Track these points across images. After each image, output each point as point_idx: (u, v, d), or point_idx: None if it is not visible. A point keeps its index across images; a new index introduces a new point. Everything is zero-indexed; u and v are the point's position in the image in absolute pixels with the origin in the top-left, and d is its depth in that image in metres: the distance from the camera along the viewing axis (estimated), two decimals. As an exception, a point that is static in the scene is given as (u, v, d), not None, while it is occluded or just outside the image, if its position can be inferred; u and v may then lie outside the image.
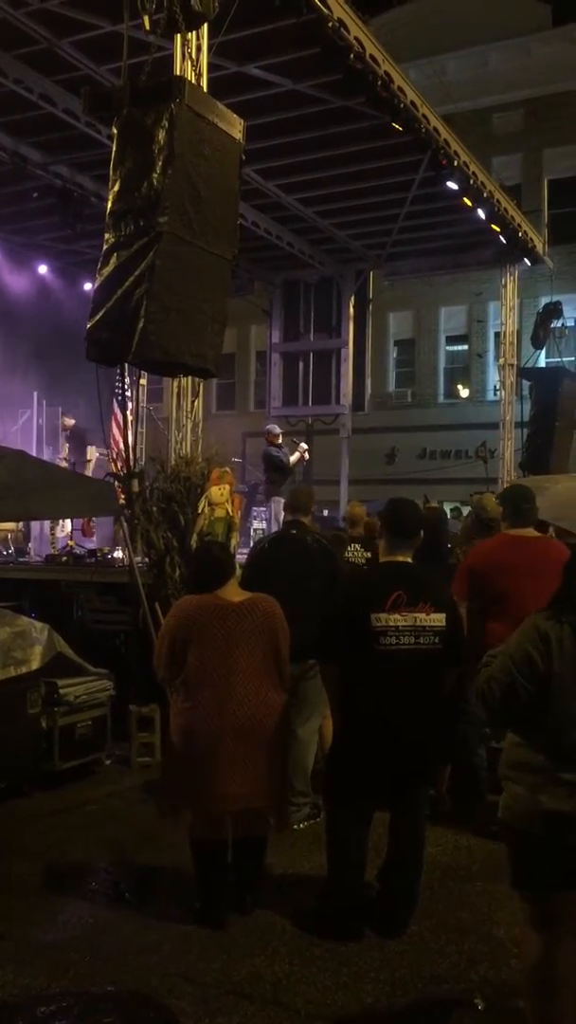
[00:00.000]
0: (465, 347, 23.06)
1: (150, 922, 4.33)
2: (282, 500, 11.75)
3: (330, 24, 7.77)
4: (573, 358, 16.78)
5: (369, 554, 7.38)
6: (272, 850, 4.65)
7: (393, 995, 3.72)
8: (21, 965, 3.89)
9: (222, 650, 4.27)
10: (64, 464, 12.52)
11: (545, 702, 2.92)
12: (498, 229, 12.64)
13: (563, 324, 15.35)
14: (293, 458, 11.93)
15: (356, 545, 7.75)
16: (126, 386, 11.78)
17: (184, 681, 4.31)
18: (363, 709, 4.14)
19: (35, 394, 14.50)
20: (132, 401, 13.30)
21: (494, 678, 3.00)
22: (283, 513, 6.63)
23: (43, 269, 14.83)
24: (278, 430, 12.51)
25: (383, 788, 4.20)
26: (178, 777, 4.39)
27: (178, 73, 6.48)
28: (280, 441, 12.10)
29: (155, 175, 5.30)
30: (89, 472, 12.32)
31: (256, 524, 13.40)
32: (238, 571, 4.84)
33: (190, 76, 6.36)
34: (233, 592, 4.44)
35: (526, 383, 14.55)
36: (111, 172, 5.50)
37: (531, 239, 13.52)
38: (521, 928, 3.21)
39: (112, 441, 12.67)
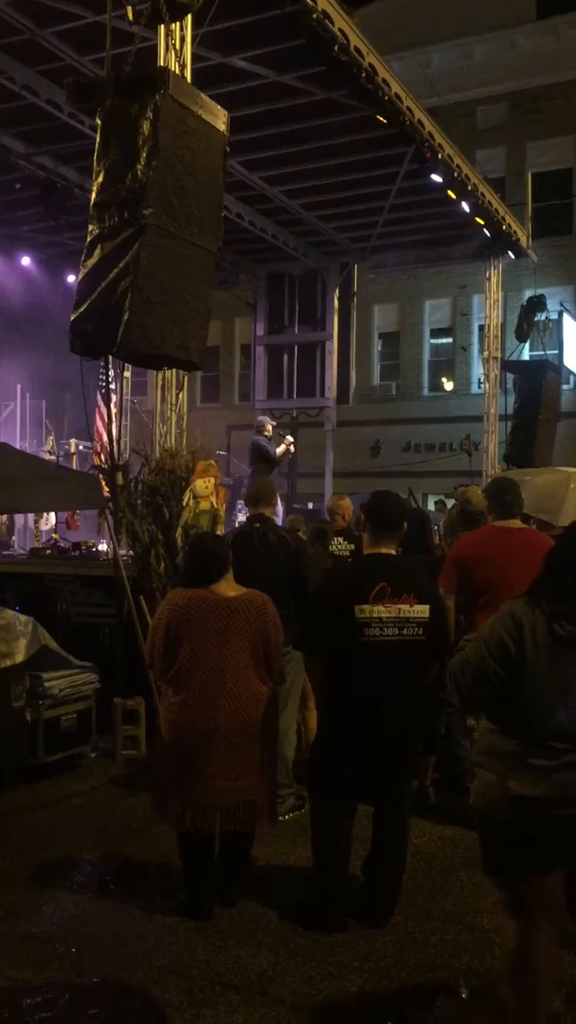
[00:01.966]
0: (449, 340, 23.10)
1: (136, 914, 4.34)
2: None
3: (314, 16, 7.75)
4: (556, 351, 16.82)
5: (352, 547, 7.39)
6: (257, 842, 4.67)
7: (378, 984, 3.74)
8: (6, 957, 3.89)
9: (215, 645, 4.27)
10: (48, 457, 12.50)
11: (517, 688, 2.95)
12: (482, 222, 12.64)
13: (546, 317, 15.38)
14: (279, 450, 11.96)
15: (340, 538, 7.76)
16: (110, 379, 11.75)
17: (175, 675, 4.31)
18: (347, 700, 4.16)
19: (18, 387, 14.45)
20: (116, 394, 13.26)
21: (467, 662, 3.05)
22: (248, 501, 6.64)
23: (26, 261, 14.75)
24: (272, 423, 12.55)
25: (367, 780, 4.22)
26: (168, 770, 4.40)
27: (162, 64, 6.45)
28: (270, 434, 12.15)
29: (139, 166, 5.27)
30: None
31: (241, 517, 13.38)
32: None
33: (174, 67, 6.33)
34: (227, 587, 4.43)
35: (510, 376, 14.58)
36: (95, 163, 5.47)
37: (515, 232, 13.54)
38: (498, 915, 3.24)
39: (96, 434, 12.63)
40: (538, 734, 2.92)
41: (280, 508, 12.40)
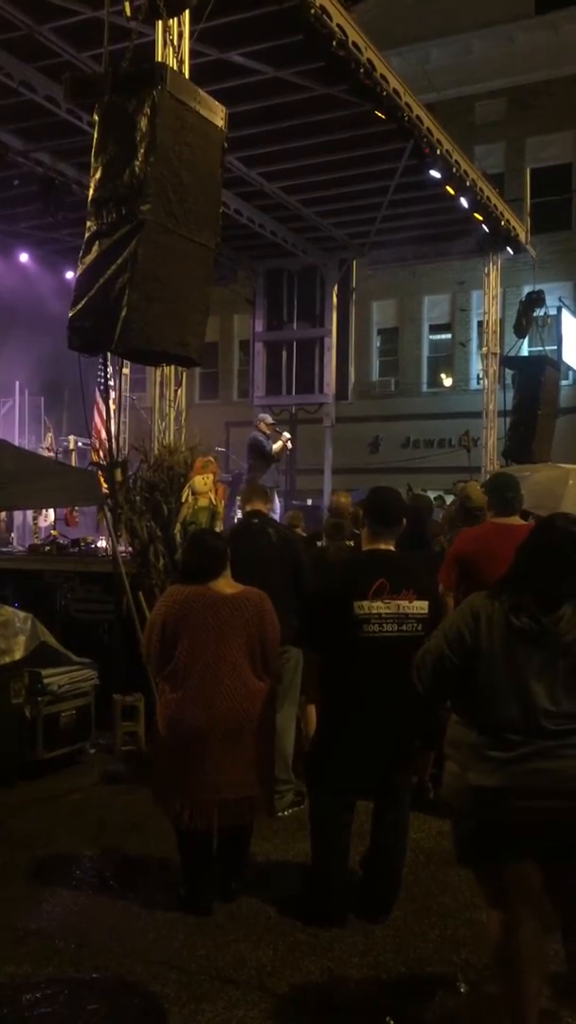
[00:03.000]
0: (448, 336, 23.09)
1: (135, 909, 4.34)
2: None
3: (312, 11, 7.74)
4: (555, 347, 16.82)
5: (351, 543, 7.39)
6: (256, 837, 4.68)
7: (377, 979, 3.75)
8: (5, 953, 3.90)
9: (212, 641, 4.28)
10: (47, 453, 12.48)
11: (474, 679, 2.99)
12: (481, 218, 12.63)
13: (545, 313, 15.38)
14: (276, 446, 11.95)
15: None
16: (109, 375, 11.73)
17: (172, 671, 4.32)
18: (346, 696, 4.16)
19: (17, 383, 14.43)
20: (115, 390, 13.23)
21: (428, 651, 3.15)
22: (243, 500, 6.66)
23: (25, 257, 14.72)
24: (270, 419, 12.55)
25: (366, 775, 4.22)
26: (166, 766, 4.40)
27: (160, 60, 6.44)
28: (269, 431, 12.16)
29: (137, 163, 5.27)
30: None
31: (240, 513, 13.39)
32: None
33: (172, 63, 6.32)
34: (225, 584, 4.44)
35: (509, 372, 14.57)
36: (92, 159, 5.46)
37: (514, 228, 13.53)
38: (485, 909, 3.26)
39: (95, 430, 12.62)
40: (495, 726, 2.97)
41: (278, 504, 12.42)
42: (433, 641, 3.15)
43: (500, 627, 2.98)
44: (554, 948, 3.22)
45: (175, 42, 6.59)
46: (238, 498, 11.35)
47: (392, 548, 4.35)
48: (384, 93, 9.13)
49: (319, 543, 7.67)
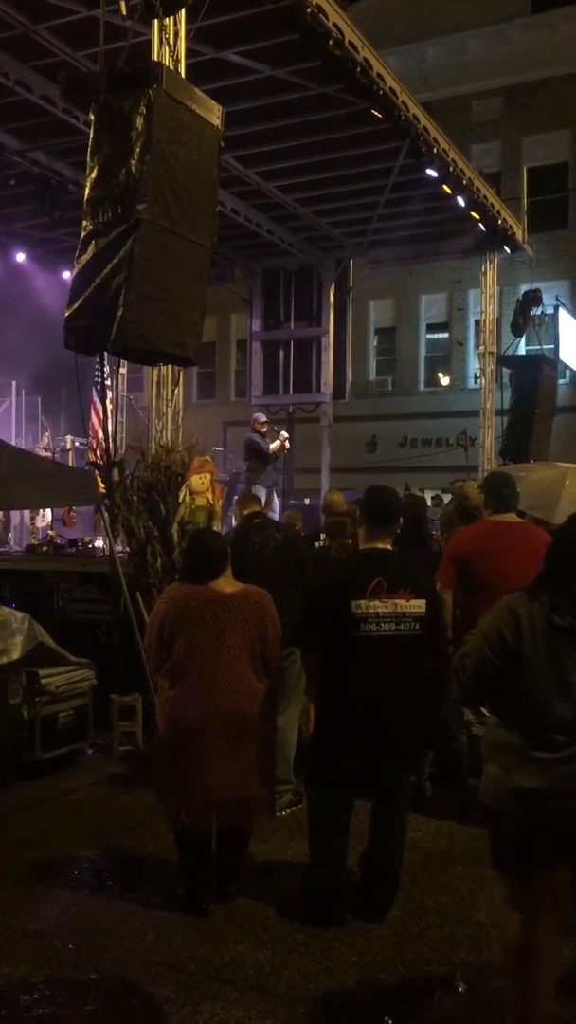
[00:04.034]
0: (446, 335, 23.09)
1: (133, 910, 4.34)
2: (263, 489, 11.79)
3: (308, 10, 7.72)
4: (553, 346, 16.82)
5: (350, 542, 7.39)
6: (254, 838, 4.67)
7: (375, 979, 3.75)
8: (3, 955, 3.90)
9: (210, 639, 4.27)
10: (44, 453, 12.47)
11: (517, 681, 2.96)
12: (478, 217, 12.62)
13: (543, 312, 15.37)
14: (273, 446, 11.95)
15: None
16: (106, 375, 11.72)
17: (171, 669, 4.32)
18: (344, 696, 4.16)
19: (13, 383, 14.42)
20: (112, 390, 13.23)
21: (467, 655, 3.09)
22: (238, 507, 6.68)
23: (21, 257, 14.70)
24: (264, 418, 12.55)
25: (365, 775, 4.22)
26: (165, 765, 4.40)
27: (156, 59, 6.42)
28: (264, 430, 12.15)
29: (133, 162, 5.26)
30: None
31: (234, 520, 13.38)
32: None
33: (168, 62, 6.31)
34: (225, 583, 4.43)
35: (506, 371, 14.57)
36: (88, 159, 5.45)
37: (511, 227, 13.52)
38: (502, 908, 3.24)
39: (92, 430, 12.62)
40: (539, 726, 2.93)
41: (276, 504, 12.42)
42: (472, 643, 3.10)
43: (542, 627, 2.95)
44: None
45: (171, 41, 6.57)
46: (233, 507, 11.41)
47: (389, 547, 4.35)
48: (380, 92, 9.12)
49: (317, 543, 7.67)
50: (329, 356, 15.69)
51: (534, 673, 2.94)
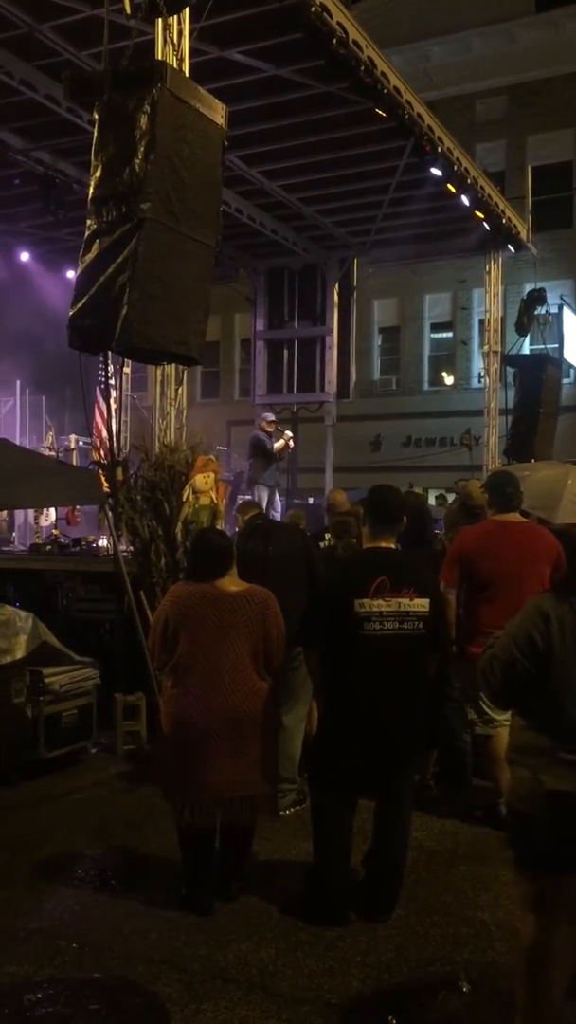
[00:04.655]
0: (449, 334, 23.05)
1: (137, 909, 4.34)
2: (265, 488, 11.80)
3: (312, 9, 7.72)
4: (557, 345, 16.79)
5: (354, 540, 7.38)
6: (258, 836, 4.67)
7: (379, 979, 3.75)
8: (7, 953, 3.90)
9: (213, 638, 4.28)
10: (48, 452, 12.49)
11: (546, 683, 2.93)
12: (482, 216, 12.61)
13: (547, 311, 15.33)
14: (277, 445, 11.96)
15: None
16: (110, 374, 11.73)
17: (174, 668, 4.34)
18: (347, 695, 4.16)
19: (18, 382, 14.43)
20: (116, 389, 13.24)
21: (496, 657, 3.03)
22: (239, 514, 6.69)
23: (25, 256, 14.72)
24: (272, 418, 12.57)
25: (368, 774, 4.21)
26: (169, 763, 4.40)
27: (159, 58, 6.42)
28: (271, 429, 12.18)
29: (137, 161, 5.26)
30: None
31: (236, 524, 13.38)
32: None
33: (172, 61, 6.30)
34: (230, 582, 4.44)
35: (510, 370, 14.55)
36: (92, 158, 5.45)
37: (515, 226, 13.51)
38: (518, 909, 3.22)
39: (96, 430, 12.62)
40: (569, 728, 2.91)
41: (279, 503, 12.42)
42: (500, 645, 3.04)
43: (572, 628, 2.91)
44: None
45: (175, 40, 6.57)
46: (239, 496, 11.41)
47: (393, 546, 4.34)
48: (384, 91, 9.11)
49: (321, 543, 7.66)
50: (333, 355, 15.69)
51: (565, 675, 2.91)
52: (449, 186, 11.40)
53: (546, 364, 14.22)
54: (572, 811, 2.90)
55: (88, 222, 5.39)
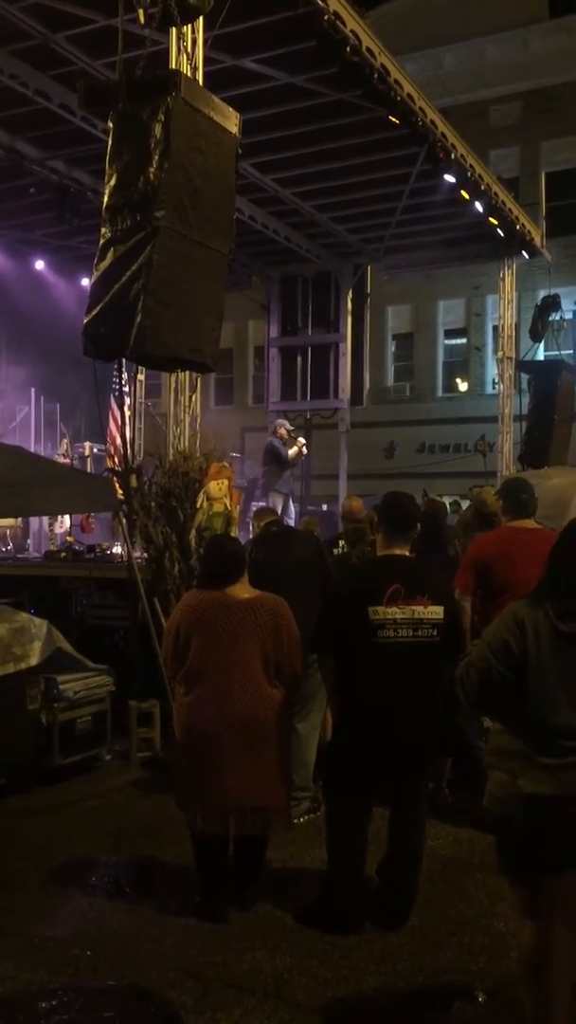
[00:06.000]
0: (463, 341, 23.01)
1: (151, 917, 4.34)
2: (279, 495, 11.80)
3: (326, 17, 7.74)
4: (571, 351, 16.74)
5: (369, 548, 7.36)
6: (272, 844, 4.66)
7: (394, 987, 3.73)
8: (22, 960, 3.90)
9: (224, 646, 4.28)
10: (63, 460, 12.53)
11: (523, 688, 2.95)
12: (496, 222, 12.59)
13: (561, 317, 15.31)
14: (291, 452, 11.97)
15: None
16: (124, 382, 11.77)
17: (186, 675, 4.34)
18: (361, 702, 4.15)
19: (32, 390, 14.49)
20: (130, 397, 13.29)
21: (472, 664, 3.07)
22: (255, 520, 6.69)
23: (40, 264, 14.79)
24: (288, 426, 12.58)
25: (382, 781, 4.20)
26: (183, 771, 4.40)
27: (173, 67, 6.45)
28: (287, 437, 12.19)
29: (151, 169, 5.29)
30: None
31: (252, 530, 13.38)
32: None
33: (186, 70, 6.34)
34: (242, 589, 4.44)
35: (524, 376, 14.51)
36: (107, 167, 5.49)
37: (529, 232, 13.48)
38: (516, 917, 3.22)
39: (110, 437, 12.66)
40: (546, 732, 2.92)
41: (293, 510, 12.42)
42: (476, 653, 3.08)
43: (547, 634, 2.93)
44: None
45: (189, 49, 6.60)
46: (253, 504, 11.41)
47: (407, 553, 4.33)
48: (398, 98, 9.12)
49: (336, 550, 7.65)
50: (347, 362, 15.71)
51: (541, 680, 2.93)
52: (463, 192, 11.40)
53: (560, 370, 14.18)
54: (549, 814, 2.92)
55: (103, 230, 5.43)
